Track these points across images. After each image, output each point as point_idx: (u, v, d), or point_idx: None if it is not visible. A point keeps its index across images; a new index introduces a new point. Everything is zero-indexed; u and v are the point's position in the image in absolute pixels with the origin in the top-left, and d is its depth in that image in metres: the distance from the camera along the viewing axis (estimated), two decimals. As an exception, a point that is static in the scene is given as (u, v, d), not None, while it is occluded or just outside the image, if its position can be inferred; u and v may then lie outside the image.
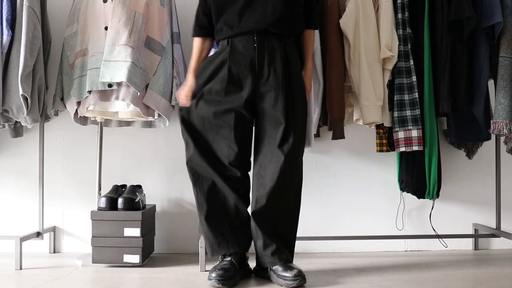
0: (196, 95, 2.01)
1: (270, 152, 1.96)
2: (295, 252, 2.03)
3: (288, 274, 1.87)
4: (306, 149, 2.55)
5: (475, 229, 2.62)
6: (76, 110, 2.29)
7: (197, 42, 2.12)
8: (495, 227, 2.55)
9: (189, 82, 2.06)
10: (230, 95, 1.96)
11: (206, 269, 2.15)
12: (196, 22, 2.12)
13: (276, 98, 1.94)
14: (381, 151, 2.45)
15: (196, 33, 2.12)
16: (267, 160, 1.97)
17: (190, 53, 2.56)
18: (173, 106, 2.36)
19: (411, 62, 2.24)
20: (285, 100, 1.94)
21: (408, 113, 2.23)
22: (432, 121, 2.26)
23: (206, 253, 2.12)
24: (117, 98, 2.19)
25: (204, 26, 2.10)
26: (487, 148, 2.59)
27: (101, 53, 2.19)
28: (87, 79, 2.19)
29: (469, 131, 2.35)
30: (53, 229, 2.57)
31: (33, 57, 2.23)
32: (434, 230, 2.51)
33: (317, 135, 2.51)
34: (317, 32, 2.24)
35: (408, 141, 2.23)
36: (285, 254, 1.95)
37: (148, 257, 2.36)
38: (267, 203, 1.95)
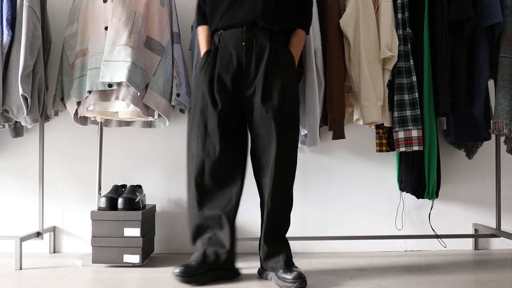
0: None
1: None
2: (295, 252, 2.03)
3: (288, 276, 1.83)
4: (306, 149, 2.58)
5: (475, 229, 2.62)
6: (76, 110, 2.28)
7: (203, 30, 2.09)
8: (495, 227, 2.55)
9: None
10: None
11: (206, 269, 2.15)
12: (198, 10, 2.13)
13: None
14: (380, 151, 2.45)
15: (200, 21, 2.11)
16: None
17: (189, 53, 2.58)
18: (173, 106, 2.36)
19: (411, 62, 2.24)
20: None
21: (408, 113, 2.23)
22: (432, 121, 2.26)
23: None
24: (117, 98, 2.19)
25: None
26: (487, 148, 2.59)
27: (101, 53, 2.19)
28: (87, 79, 2.19)
29: (469, 131, 2.35)
30: (53, 229, 2.57)
31: (33, 57, 2.23)
32: (433, 230, 2.51)
33: (317, 135, 2.51)
34: (317, 33, 2.23)
35: (408, 141, 2.23)
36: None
37: (148, 257, 2.36)
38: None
